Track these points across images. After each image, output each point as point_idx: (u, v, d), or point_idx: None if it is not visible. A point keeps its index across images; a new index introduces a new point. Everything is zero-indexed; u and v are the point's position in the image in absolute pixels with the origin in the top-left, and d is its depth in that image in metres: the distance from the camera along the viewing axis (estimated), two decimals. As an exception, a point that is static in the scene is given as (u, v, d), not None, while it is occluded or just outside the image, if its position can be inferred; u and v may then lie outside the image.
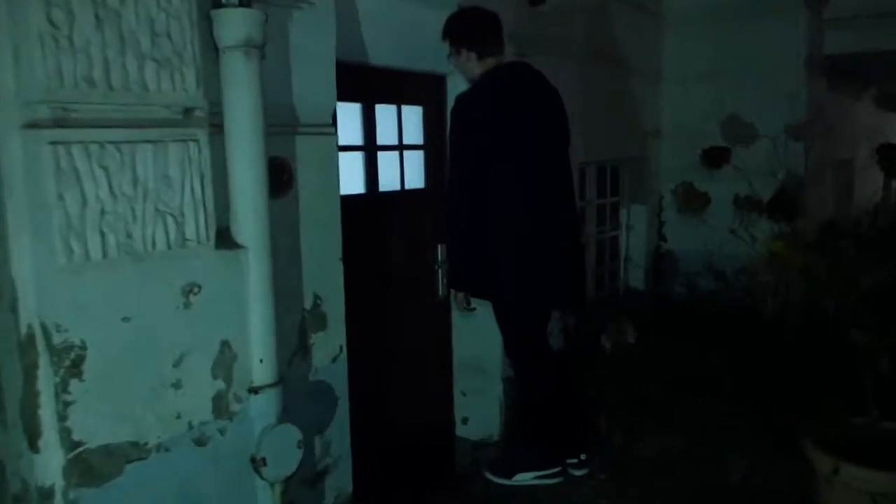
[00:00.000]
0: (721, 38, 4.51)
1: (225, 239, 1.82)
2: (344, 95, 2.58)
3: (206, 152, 1.73)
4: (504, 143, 2.46)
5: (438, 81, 3.12)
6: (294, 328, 2.14)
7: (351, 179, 2.74)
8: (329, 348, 2.27)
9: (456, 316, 3.22)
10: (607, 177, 4.44)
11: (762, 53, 4.40)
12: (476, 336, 3.24)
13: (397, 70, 2.80)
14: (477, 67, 2.58)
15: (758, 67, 4.41)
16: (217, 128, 1.81)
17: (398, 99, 2.96)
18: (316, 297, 2.21)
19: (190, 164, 1.69)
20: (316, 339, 2.22)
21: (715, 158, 4.38)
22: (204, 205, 1.73)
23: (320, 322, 2.23)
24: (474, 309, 2.81)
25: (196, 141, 1.70)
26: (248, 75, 1.80)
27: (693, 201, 4.40)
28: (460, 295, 2.74)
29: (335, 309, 2.27)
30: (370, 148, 2.82)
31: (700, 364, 3.70)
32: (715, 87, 4.55)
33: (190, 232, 1.71)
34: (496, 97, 2.49)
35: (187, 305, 1.72)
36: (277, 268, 1.96)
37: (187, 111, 1.69)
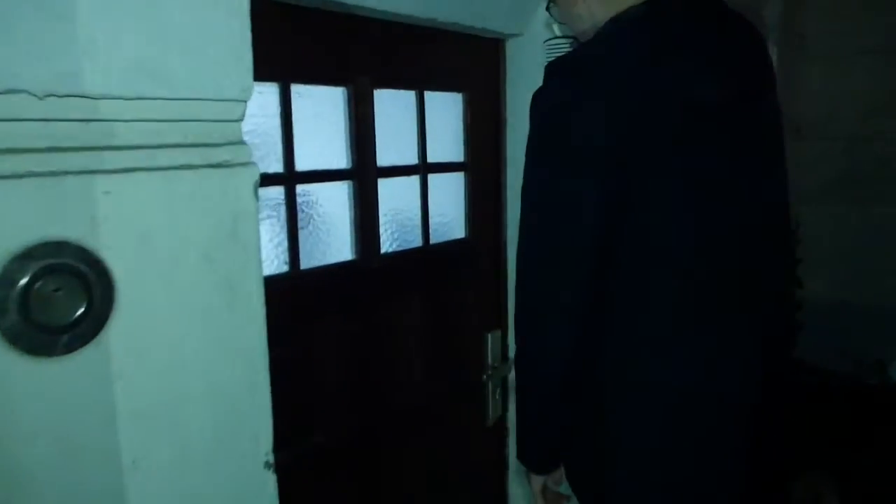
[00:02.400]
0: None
1: None
2: (302, 72, 1.26)
3: None
4: (665, 176, 1.02)
5: (493, 48, 1.76)
6: None
7: (325, 240, 1.40)
8: None
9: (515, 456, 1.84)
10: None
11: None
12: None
13: (418, 25, 1.45)
14: (598, 6, 1.15)
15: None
16: None
17: (419, 80, 1.60)
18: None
19: None
20: None
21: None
22: None
23: None
24: (568, 498, 1.40)
25: None
26: None
27: None
28: (538, 480, 1.33)
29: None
30: (362, 173, 1.47)
31: None
32: (890, 66, 3.09)
33: None
34: (646, 65, 1.01)
35: None
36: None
37: None
